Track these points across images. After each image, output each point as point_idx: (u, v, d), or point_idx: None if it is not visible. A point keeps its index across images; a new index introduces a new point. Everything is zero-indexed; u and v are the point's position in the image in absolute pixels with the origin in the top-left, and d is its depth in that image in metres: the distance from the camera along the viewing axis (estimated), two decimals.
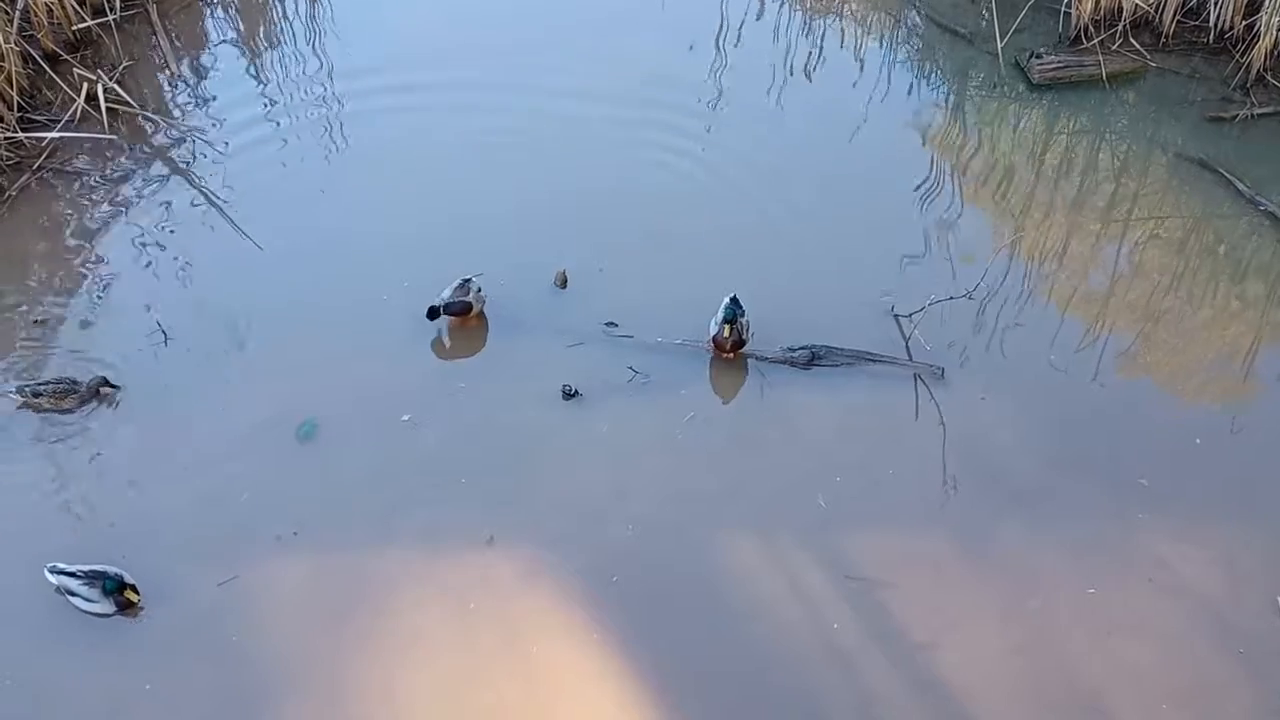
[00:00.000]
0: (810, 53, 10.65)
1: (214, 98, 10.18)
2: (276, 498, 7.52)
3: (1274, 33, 9.63)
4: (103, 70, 9.91)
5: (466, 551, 7.31)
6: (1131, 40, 10.29)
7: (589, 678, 6.83)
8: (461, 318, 8.38)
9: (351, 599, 7.11)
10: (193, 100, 10.18)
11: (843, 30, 10.93)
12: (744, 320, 8.07)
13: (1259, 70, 9.91)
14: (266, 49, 10.73)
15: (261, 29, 10.93)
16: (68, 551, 7.10)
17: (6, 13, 9.61)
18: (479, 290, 8.37)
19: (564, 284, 8.67)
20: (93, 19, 10.26)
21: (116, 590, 6.87)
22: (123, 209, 9.24)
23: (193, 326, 8.39)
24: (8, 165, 9.36)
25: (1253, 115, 9.81)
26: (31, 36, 9.95)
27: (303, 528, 7.40)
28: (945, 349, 8.32)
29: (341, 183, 9.46)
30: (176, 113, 10.04)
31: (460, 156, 9.63)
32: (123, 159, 9.60)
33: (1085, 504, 7.50)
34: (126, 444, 7.78)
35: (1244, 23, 9.98)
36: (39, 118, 9.69)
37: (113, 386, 7.96)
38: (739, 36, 10.73)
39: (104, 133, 9.66)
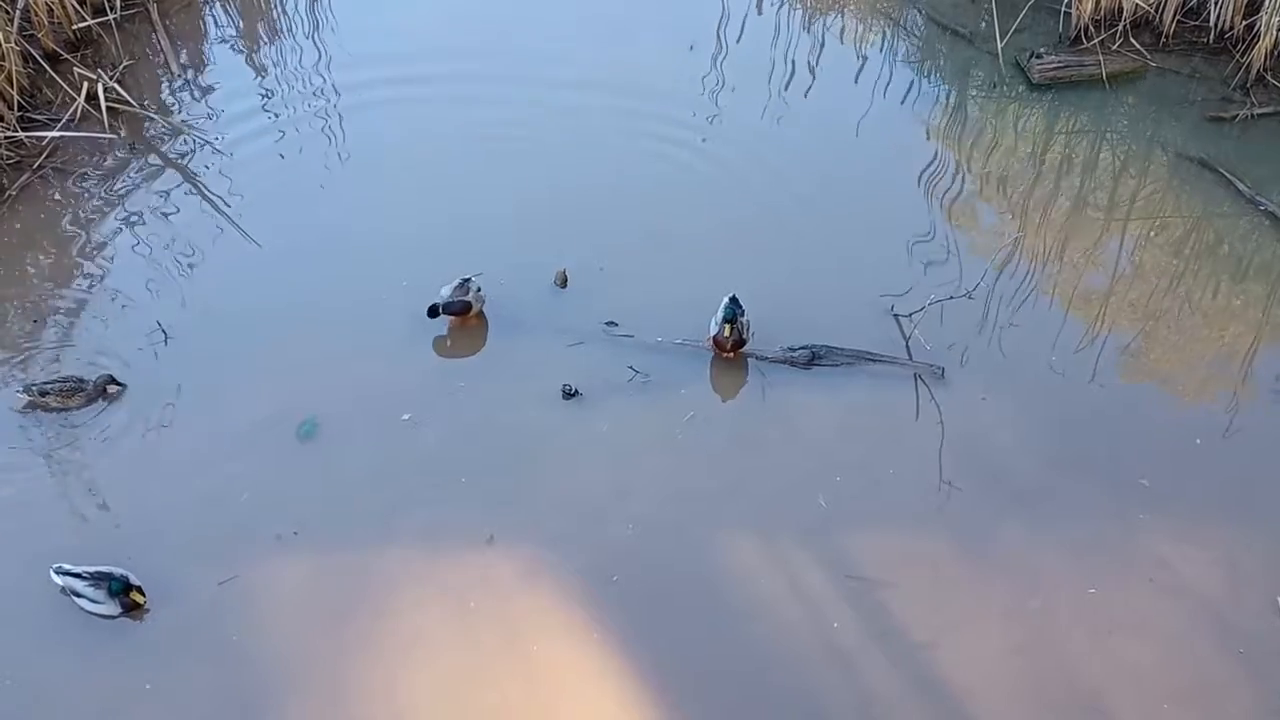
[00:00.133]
0: (810, 52, 10.66)
1: (214, 97, 10.19)
2: (277, 497, 7.51)
3: (1274, 33, 9.63)
4: (103, 69, 9.91)
5: (467, 551, 7.31)
6: (1132, 40, 10.29)
7: (589, 677, 6.83)
8: (461, 317, 8.38)
9: (352, 598, 7.11)
10: (193, 99, 10.18)
11: (843, 30, 10.94)
12: (744, 320, 8.06)
13: (1259, 70, 9.92)
14: (266, 47, 10.74)
15: (262, 27, 10.95)
16: (72, 552, 7.09)
17: (7, 12, 9.61)
18: (479, 289, 8.37)
19: (564, 283, 8.67)
20: (93, 18, 10.27)
21: (122, 592, 6.86)
22: (123, 208, 9.23)
23: (193, 326, 8.39)
24: (8, 164, 9.36)
25: (1253, 115, 9.81)
26: (32, 36, 9.95)
27: (303, 527, 7.40)
28: (945, 349, 8.32)
29: (341, 179, 9.47)
30: (177, 112, 10.05)
31: (460, 151, 9.65)
32: (123, 158, 9.60)
33: (1086, 504, 7.50)
34: (127, 444, 7.77)
35: (1244, 23, 9.99)
36: (39, 117, 9.69)
37: (119, 384, 7.95)
38: (739, 36, 10.74)
39: (104, 132, 9.66)
